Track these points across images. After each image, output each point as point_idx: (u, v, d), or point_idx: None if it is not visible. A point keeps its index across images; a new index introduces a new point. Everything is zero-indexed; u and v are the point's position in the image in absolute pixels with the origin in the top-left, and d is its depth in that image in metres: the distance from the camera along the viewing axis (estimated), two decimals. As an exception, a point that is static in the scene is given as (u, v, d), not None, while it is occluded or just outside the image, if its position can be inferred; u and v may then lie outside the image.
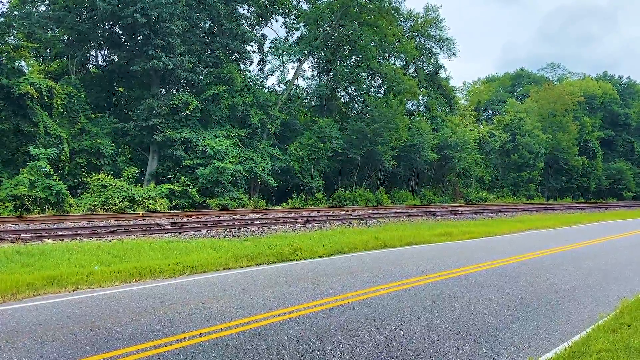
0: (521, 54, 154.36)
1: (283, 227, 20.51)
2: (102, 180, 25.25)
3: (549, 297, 9.18)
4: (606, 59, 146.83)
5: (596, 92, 72.32)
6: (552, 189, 62.87)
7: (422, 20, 48.66)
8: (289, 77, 41.07)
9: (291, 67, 42.21)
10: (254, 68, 40.68)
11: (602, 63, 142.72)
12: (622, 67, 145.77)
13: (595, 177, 65.93)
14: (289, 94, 38.34)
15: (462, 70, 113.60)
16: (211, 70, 32.79)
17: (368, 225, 22.13)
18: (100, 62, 34.62)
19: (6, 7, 28.36)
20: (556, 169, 61.87)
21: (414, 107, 51.97)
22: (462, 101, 67.92)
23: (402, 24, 47.75)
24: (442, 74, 52.92)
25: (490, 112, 76.20)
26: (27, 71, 28.66)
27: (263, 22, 38.71)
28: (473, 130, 53.01)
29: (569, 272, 11.86)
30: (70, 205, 23.33)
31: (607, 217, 32.03)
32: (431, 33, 49.44)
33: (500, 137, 55.27)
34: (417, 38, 49.05)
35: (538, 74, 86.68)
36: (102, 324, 6.84)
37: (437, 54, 51.22)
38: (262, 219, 22.97)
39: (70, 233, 15.99)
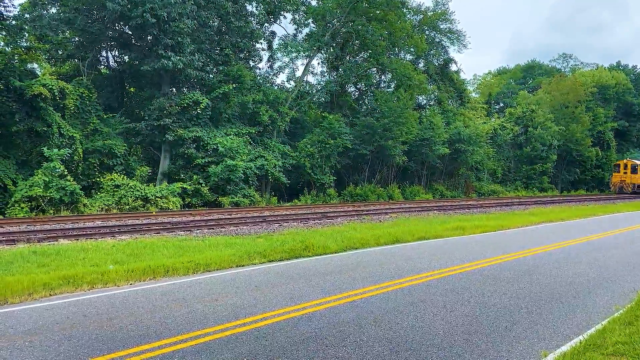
0: (530, 44, 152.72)
1: (295, 223, 20.55)
2: (115, 180, 25.46)
3: (564, 290, 9.11)
4: (618, 48, 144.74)
5: (609, 83, 71.30)
6: (565, 181, 62.27)
7: (431, 13, 48.32)
8: (299, 73, 41.13)
9: (300, 63, 42.17)
10: (263, 65, 40.71)
11: (614, 52, 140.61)
12: (635, 55, 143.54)
13: (609, 168, 65.17)
14: (298, 90, 38.34)
15: (472, 63, 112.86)
16: (221, 68, 32.87)
17: (380, 221, 22.09)
18: (111, 62, 34.88)
19: (17, 10, 28.66)
20: (569, 161, 61.23)
21: (425, 101, 51.70)
22: (473, 94, 67.40)
23: (412, 18, 47.45)
24: (453, 67, 52.60)
25: (501, 104, 75.53)
26: (39, 73, 28.94)
27: (272, 19, 38.68)
28: (485, 123, 52.61)
29: (584, 264, 11.76)
30: (85, 205, 23.57)
31: (622, 209, 31.67)
32: (441, 26, 49.10)
33: (512, 129, 54.79)
34: (427, 32, 48.70)
35: (550, 65, 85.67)
36: (118, 322, 6.92)
37: (447, 47, 50.92)
38: (274, 216, 23.03)
39: (84, 233, 16.17)
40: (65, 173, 23.31)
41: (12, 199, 21.81)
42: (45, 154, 23.20)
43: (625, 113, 72.71)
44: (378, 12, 39.42)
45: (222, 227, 18.61)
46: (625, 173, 54.16)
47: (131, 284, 9.31)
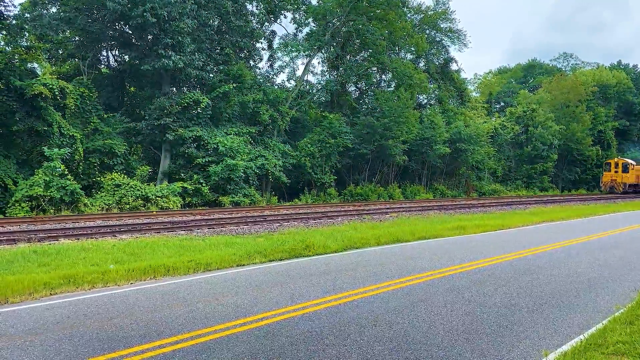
0: (531, 43, 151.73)
1: (295, 223, 20.55)
2: (115, 180, 25.46)
3: (565, 290, 9.11)
4: (619, 48, 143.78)
5: (610, 82, 71.27)
6: (566, 181, 62.23)
7: (432, 13, 48.33)
8: (299, 73, 41.13)
9: (301, 63, 42.12)
10: (263, 65, 40.75)
11: (615, 51, 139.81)
12: (636, 54, 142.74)
13: (609, 167, 65.15)
14: (299, 90, 38.34)
15: (473, 62, 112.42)
16: (221, 68, 32.88)
17: (380, 220, 22.08)
18: (112, 62, 34.90)
19: (17, 9, 28.67)
20: (570, 160, 61.19)
21: (425, 101, 51.67)
22: (474, 93, 67.35)
23: (412, 17, 47.45)
24: (453, 67, 52.57)
25: (502, 104, 75.48)
26: (39, 73, 28.96)
27: (272, 18, 38.71)
28: (485, 122, 52.56)
29: (585, 263, 11.75)
30: (85, 204, 23.57)
31: (623, 208, 31.65)
32: (441, 26, 49.09)
33: (513, 129, 54.76)
34: (427, 31, 48.70)
35: (550, 65, 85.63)
36: (119, 321, 6.91)
37: (448, 46, 50.92)
38: (275, 215, 23.02)
39: (85, 232, 16.17)
40: (66, 172, 23.32)
41: (13, 199, 21.83)
42: (45, 154, 23.21)
43: (626, 112, 72.67)
44: (378, 11, 39.42)
45: (223, 227, 18.61)
46: (616, 172, 51.77)
47: (132, 284, 9.31)
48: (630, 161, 52.29)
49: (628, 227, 20.37)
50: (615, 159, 53.56)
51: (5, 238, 14.43)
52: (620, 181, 51.22)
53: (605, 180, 52.84)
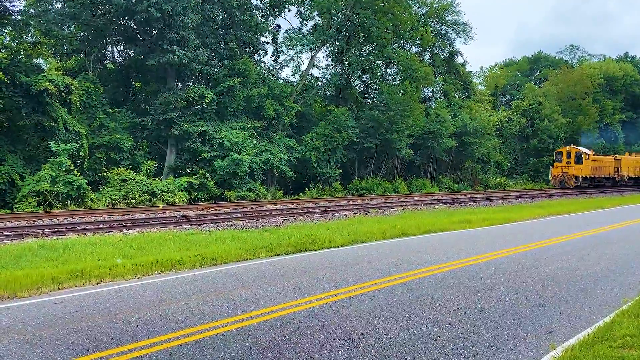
0: (535, 35, 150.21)
1: (301, 217, 20.56)
2: (121, 175, 25.55)
3: (571, 283, 9.08)
4: (624, 39, 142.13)
5: (617, 74, 70.73)
6: (573, 174, 61.92)
7: (437, 5, 48.08)
8: (304, 67, 40.98)
9: (305, 57, 41.98)
10: (268, 59, 40.62)
11: (620, 43, 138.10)
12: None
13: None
14: (303, 84, 38.27)
15: (478, 54, 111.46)
16: (226, 62, 32.85)
17: (386, 214, 22.07)
18: (117, 57, 34.93)
19: (23, 5, 28.71)
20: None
21: (431, 94, 51.47)
22: (479, 86, 67.01)
23: (417, 10, 47.22)
24: (459, 59, 52.28)
25: (508, 97, 75.09)
26: (45, 68, 29.01)
27: (277, 12, 38.56)
28: (492, 115, 52.30)
29: (592, 257, 11.70)
30: (92, 200, 23.68)
31: (630, 201, 31.47)
32: (447, 18, 48.82)
33: (519, 122, 54.49)
34: (433, 24, 48.47)
35: (557, 57, 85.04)
36: (126, 315, 6.95)
37: (453, 39, 50.62)
38: (280, 209, 23.05)
39: (92, 227, 16.25)
40: (72, 168, 23.42)
41: (20, 194, 21.96)
42: (52, 149, 23.31)
43: (633, 104, 72.20)
44: (383, 4, 39.22)
45: (229, 221, 18.65)
46: (568, 163, 43.49)
47: (139, 278, 9.35)
48: (585, 150, 44.83)
49: (634, 220, 20.24)
50: (568, 148, 45.13)
51: (13, 233, 14.53)
52: (573, 174, 43.31)
53: (555, 173, 44.76)
